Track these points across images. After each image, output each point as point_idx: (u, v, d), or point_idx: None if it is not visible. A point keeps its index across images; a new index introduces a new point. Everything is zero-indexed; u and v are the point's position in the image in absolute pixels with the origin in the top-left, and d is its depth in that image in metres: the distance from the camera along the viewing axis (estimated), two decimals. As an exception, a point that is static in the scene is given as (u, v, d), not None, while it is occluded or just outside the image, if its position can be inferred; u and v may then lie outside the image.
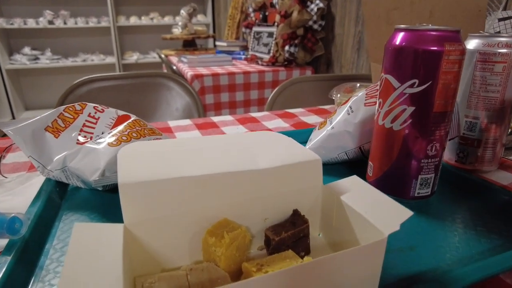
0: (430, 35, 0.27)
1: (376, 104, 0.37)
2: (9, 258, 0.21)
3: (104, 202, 0.32)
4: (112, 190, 0.34)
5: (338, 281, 0.18)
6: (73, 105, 0.36)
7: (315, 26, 1.42)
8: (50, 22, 2.64)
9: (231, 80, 1.44)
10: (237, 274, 0.21)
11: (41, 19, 2.63)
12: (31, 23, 2.59)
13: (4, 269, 0.20)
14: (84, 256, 0.16)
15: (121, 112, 0.38)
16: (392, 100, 0.29)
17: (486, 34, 0.36)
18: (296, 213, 0.24)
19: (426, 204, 0.32)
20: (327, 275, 0.17)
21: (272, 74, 1.49)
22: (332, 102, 0.90)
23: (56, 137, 0.34)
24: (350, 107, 0.38)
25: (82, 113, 0.36)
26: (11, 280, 0.20)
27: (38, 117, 0.34)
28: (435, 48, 0.27)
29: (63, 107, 0.36)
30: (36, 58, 2.72)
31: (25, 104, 2.93)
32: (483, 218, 0.30)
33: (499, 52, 0.35)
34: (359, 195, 0.23)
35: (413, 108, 0.28)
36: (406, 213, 0.20)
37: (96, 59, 2.86)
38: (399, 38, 0.29)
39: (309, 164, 0.24)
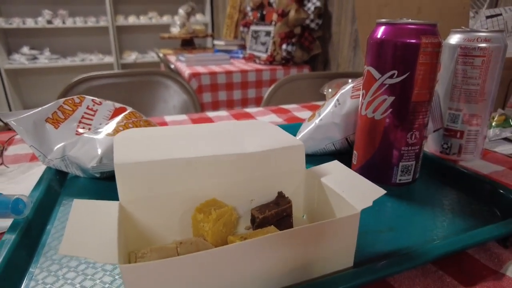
0: (408, 28, 0.29)
1: (362, 96, 0.39)
2: (13, 236, 0.23)
3: (101, 189, 0.33)
4: (109, 178, 0.35)
5: (314, 250, 0.20)
6: (72, 98, 0.38)
7: (312, 25, 1.44)
8: (49, 22, 2.65)
9: (228, 79, 1.46)
10: (224, 248, 0.22)
11: (39, 18, 2.64)
12: (29, 23, 2.60)
13: (9, 245, 0.22)
14: (83, 227, 0.18)
15: (118, 105, 0.39)
16: (374, 90, 0.31)
17: (467, 29, 0.38)
18: (280, 194, 0.25)
19: (408, 190, 0.34)
20: (304, 244, 0.19)
21: (270, 73, 1.51)
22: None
23: (56, 128, 0.36)
24: (338, 100, 0.40)
25: (81, 106, 0.38)
26: (17, 254, 0.22)
27: (39, 108, 0.36)
28: (412, 40, 0.28)
29: (62, 99, 0.37)
30: (35, 58, 2.73)
31: (23, 104, 2.94)
32: (460, 203, 0.32)
33: (479, 47, 0.36)
34: (338, 177, 0.24)
35: (393, 98, 0.30)
36: (379, 191, 0.22)
37: (94, 58, 2.87)
38: (380, 31, 0.30)
39: (293, 149, 0.25)
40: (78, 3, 2.80)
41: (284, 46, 1.49)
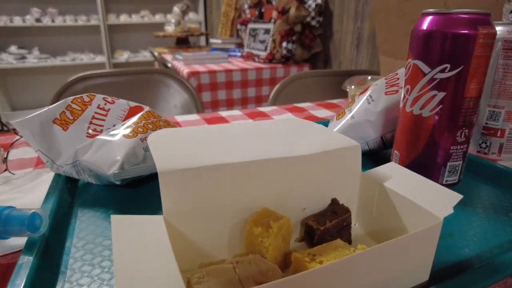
0: (462, 18, 0.26)
1: (397, 92, 0.37)
2: (31, 258, 0.19)
3: (118, 197, 0.30)
4: (127, 185, 0.32)
5: (397, 265, 0.17)
6: (81, 96, 0.34)
7: (313, 23, 1.42)
8: (38, 20, 2.56)
9: (228, 78, 1.42)
10: (283, 265, 0.19)
11: (28, 17, 2.55)
12: (17, 21, 2.51)
13: (28, 270, 0.18)
14: (132, 250, 0.15)
15: (133, 104, 0.36)
16: (422, 86, 0.29)
17: (510, 21, 0.35)
18: (334, 201, 0.23)
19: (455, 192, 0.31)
20: (387, 262, 0.16)
21: (270, 71, 1.48)
22: (338, 96, 0.89)
23: (65, 130, 0.32)
24: (370, 96, 0.37)
25: (90, 105, 0.34)
26: (37, 280, 0.18)
27: (45, 108, 0.32)
28: (468, 31, 0.26)
29: (70, 98, 0.34)
30: (23, 57, 2.64)
31: (11, 105, 2.84)
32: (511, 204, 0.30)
33: (522, 39, 0.34)
34: (402, 181, 0.22)
35: (444, 93, 0.28)
36: (455, 196, 0.19)
37: (85, 58, 2.79)
38: (427, 22, 0.28)
39: (349, 150, 0.22)
40: (68, 1, 2.71)
41: (284, 44, 1.46)
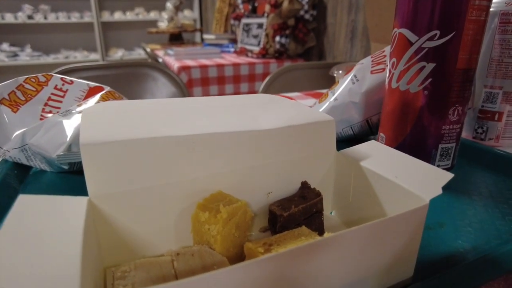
0: (455, -23, 0.23)
1: (383, 71, 0.34)
2: None
3: (73, 186, 0.27)
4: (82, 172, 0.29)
5: (373, 259, 0.14)
6: (35, 76, 0.31)
7: (307, 16, 1.39)
8: (30, 17, 2.52)
9: (220, 72, 1.39)
10: (238, 259, 0.16)
11: (19, 13, 2.51)
12: (9, 18, 2.46)
13: None
14: (26, 237, 0.11)
15: (93, 84, 0.32)
16: (409, 57, 0.25)
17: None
18: (305, 185, 0.19)
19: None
20: (358, 253, 0.13)
21: (263, 66, 1.45)
22: (328, 87, 0.86)
23: (15, 112, 0.29)
24: (355, 76, 0.34)
25: (47, 85, 0.31)
26: None
27: (-9, 87, 0.29)
28: (461, -9, 0.23)
29: (23, 77, 0.30)
30: (15, 55, 2.60)
31: (4, 104, 2.79)
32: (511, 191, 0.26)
33: (520, 11, 0.31)
34: (382, 159, 0.18)
35: (433, 64, 0.25)
36: (445, 175, 0.16)
37: (79, 56, 2.75)
38: (415, -15, 0.25)
39: (321, 125, 0.19)
40: (60, -2, 2.68)
41: (277, 38, 1.43)
